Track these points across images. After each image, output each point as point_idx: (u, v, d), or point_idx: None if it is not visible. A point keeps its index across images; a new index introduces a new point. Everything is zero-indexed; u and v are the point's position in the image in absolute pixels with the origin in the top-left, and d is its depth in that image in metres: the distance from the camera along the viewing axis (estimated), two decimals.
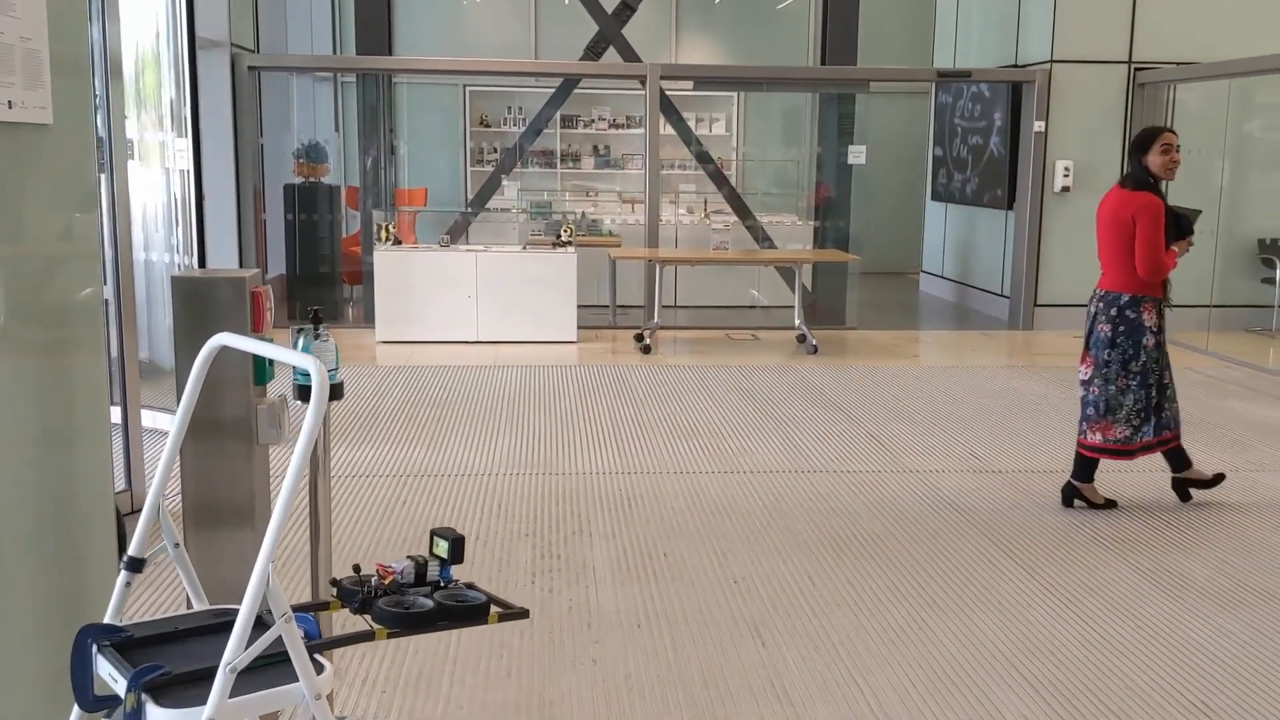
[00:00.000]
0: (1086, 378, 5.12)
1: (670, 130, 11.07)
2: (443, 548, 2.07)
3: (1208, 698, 3.33)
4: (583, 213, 10.93)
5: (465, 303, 9.36)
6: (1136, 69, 9.92)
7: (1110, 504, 5.12)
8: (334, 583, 2.03)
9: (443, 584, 2.05)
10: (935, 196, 12.54)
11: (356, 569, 2.05)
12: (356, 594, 1.97)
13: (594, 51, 10.79)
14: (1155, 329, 5.02)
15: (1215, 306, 9.88)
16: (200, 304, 2.48)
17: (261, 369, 2.60)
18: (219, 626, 1.90)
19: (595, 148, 13.87)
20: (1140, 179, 4.98)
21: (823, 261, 9.86)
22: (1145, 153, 4.99)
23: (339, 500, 5.05)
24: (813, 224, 11.02)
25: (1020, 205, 10.27)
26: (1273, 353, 9.39)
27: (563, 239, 9.58)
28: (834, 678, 3.44)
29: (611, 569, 4.31)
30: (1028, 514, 5.02)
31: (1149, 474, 5.61)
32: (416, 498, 5.17)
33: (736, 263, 9.99)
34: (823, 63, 10.95)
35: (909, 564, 4.39)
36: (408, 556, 2.07)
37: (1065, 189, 10.01)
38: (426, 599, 1.98)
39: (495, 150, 13.72)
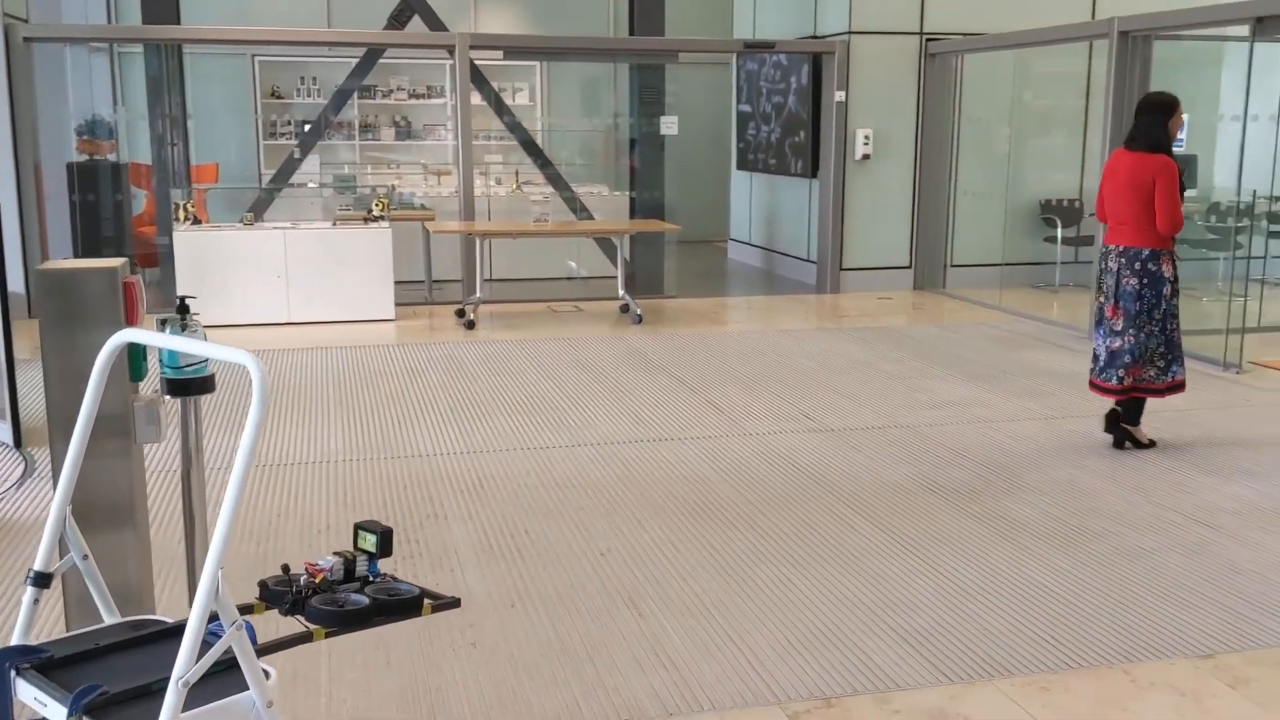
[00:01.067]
0: (1120, 328, 5.40)
1: (478, 100, 10.91)
2: (370, 542, 2.01)
3: (1054, 632, 3.58)
4: (393, 185, 10.65)
5: (274, 283, 9.00)
6: (928, 40, 10.40)
7: (1152, 444, 5.50)
8: (261, 585, 1.94)
9: (372, 579, 1.98)
10: (741, 166, 12.83)
11: (285, 569, 1.96)
12: (285, 595, 1.88)
13: (398, 20, 10.50)
14: (1173, 279, 5.37)
15: (1005, 265, 10.53)
16: (67, 298, 2.30)
17: (137, 365, 2.44)
18: (143, 639, 1.78)
19: (395, 119, 13.53)
20: (1158, 142, 5.24)
21: (644, 232, 9.95)
22: (1170, 116, 5.27)
23: (174, 498, 4.79)
24: (629, 194, 11.10)
25: (824, 173, 10.64)
26: (1056, 306, 10.08)
27: (375, 214, 9.33)
28: (713, 640, 3.52)
29: (475, 551, 4.26)
30: (865, 469, 5.24)
31: (970, 425, 5.95)
32: (256, 490, 4.96)
33: (560, 235, 9.97)
34: (631, 33, 11.01)
35: (765, 525, 4.52)
36: (334, 553, 2.01)
37: (865, 157, 10.43)
38: (359, 595, 1.91)
39: (290, 123, 13.20)
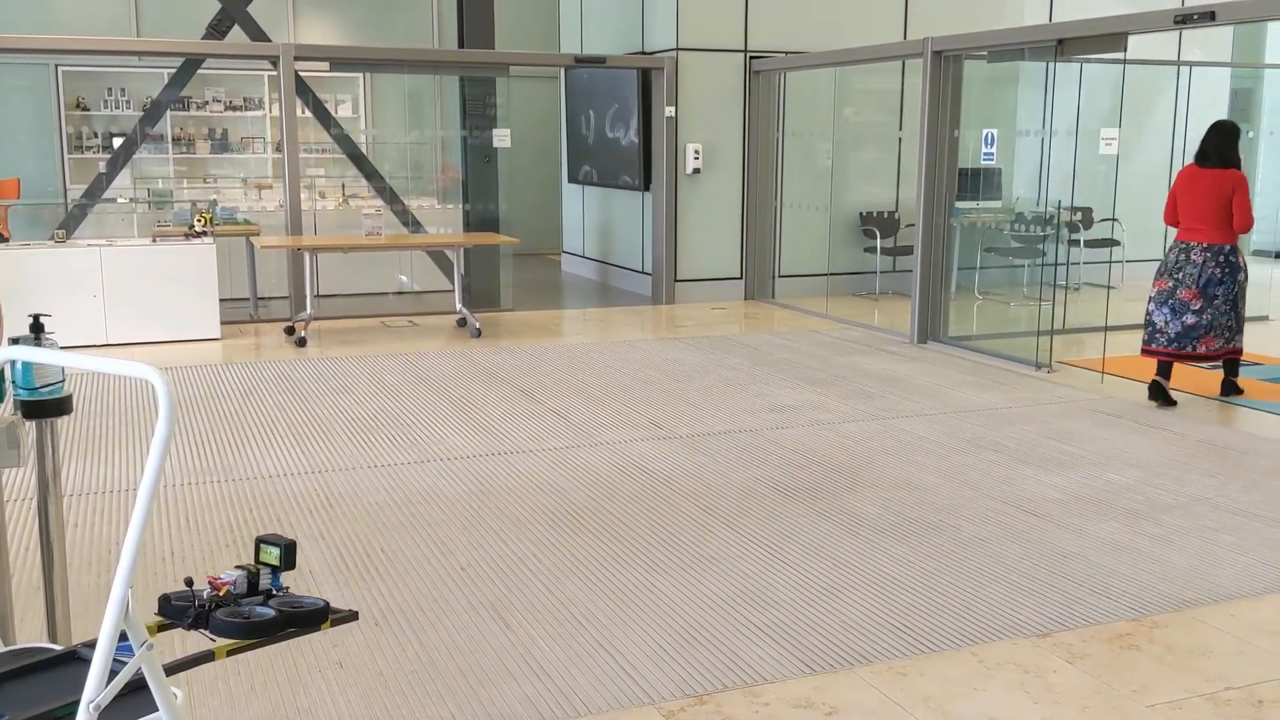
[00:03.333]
0: (1198, 308, 6.60)
1: (302, 112, 10.65)
2: (273, 554, 1.98)
3: (906, 620, 3.75)
4: (214, 200, 10.28)
5: (90, 303, 8.56)
6: (752, 57, 10.72)
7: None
8: (161, 599, 1.86)
9: (275, 591, 1.94)
10: (572, 179, 12.92)
11: (189, 582, 1.89)
12: (187, 609, 1.82)
13: (218, 30, 10.16)
14: (1244, 267, 6.66)
15: (830, 274, 10.93)
16: None
17: None
18: (35, 667, 1.69)
19: (211, 131, 13.06)
20: (1233, 160, 6.56)
21: (479, 245, 9.90)
22: (1238, 140, 6.62)
23: (26, 525, 4.51)
24: (462, 207, 11.03)
25: (656, 187, 10.82)
26: (878, 313, 10.53)
27: (197, 229, 8.99)
28: (583, 648, 3.55)
29: (330, 571, 4.17)
30: (716, 473, 5.37)
31: (810, 428, 6.17)
32: (91, 518, 4.72)
33: (394, 248, 9.81)
34: (460, 45, 10.95)
35: (623, 531, 4.57)
36: (237, 566, 1.94)
37: (696, 170, 10.67)
38: (264, 608, 1.87)
39: (96, 136, 12.57)
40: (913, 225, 11.02)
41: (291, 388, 7.16)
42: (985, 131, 8.47)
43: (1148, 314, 6.79)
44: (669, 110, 10.56)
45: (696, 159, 10.65)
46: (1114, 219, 11.66)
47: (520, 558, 4.30)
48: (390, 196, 10.95)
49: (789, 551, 4.37)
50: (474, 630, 3.66)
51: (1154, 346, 6.75)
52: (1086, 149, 8.66)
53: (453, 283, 9.52)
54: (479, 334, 9.00)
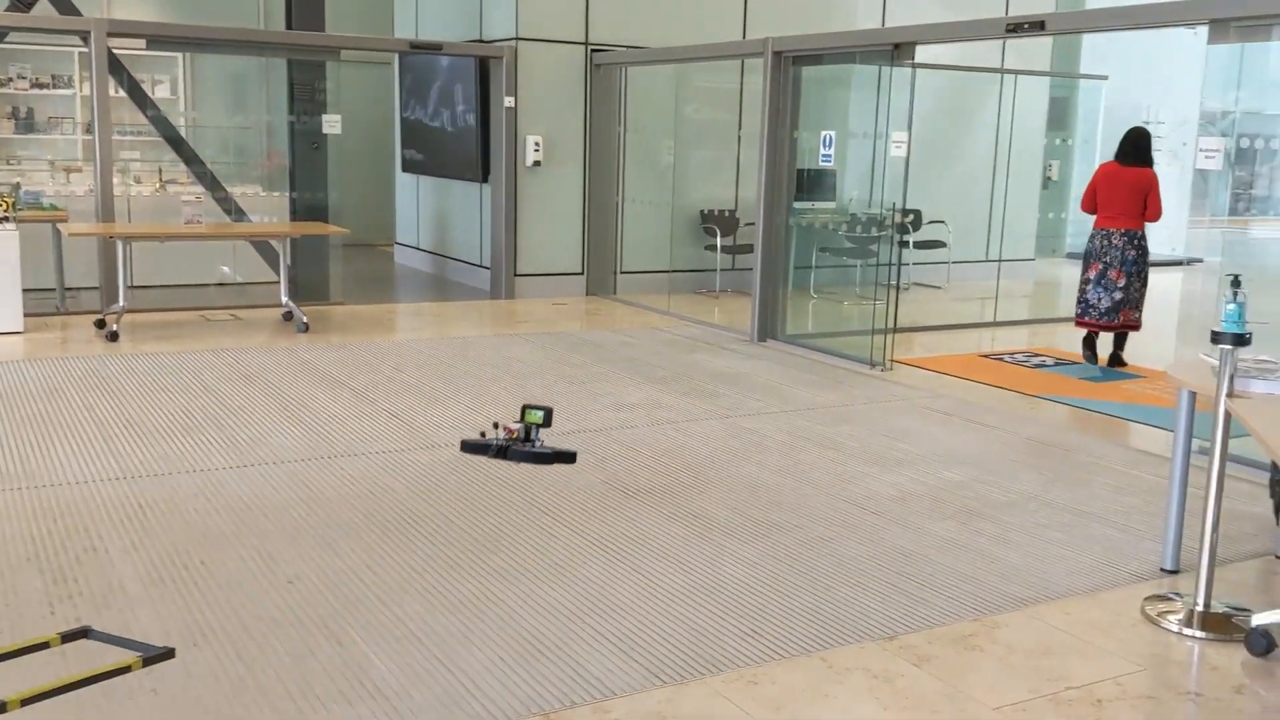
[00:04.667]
0: (1122, 285, 7.79)
1: (116, 92, 9.99)
2: (537, 416, 4.09)
3: (755, 625, 3.69)
4: (17, 183, 9.53)
5: None
6: (593, 50, 10.60)
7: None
8: (463, 442, 3.98)
9: (535, 441, 3.96)
10: (406, 168, 12.54)
11: (482, 434, 4.04)
12: (488, 447, 3.83)
13: (23, 3, 9.42)
14: (1148, 250, 7.86)
15: (671, 272, 10.92)
16: None
17: None
18: None
19: (15, 110, 12.16)
20: (1148, 160, 7.75)
21: (307, 235, 9.48)
22: (1150, 144, 7.82)
23: None
24: (288, 195, 10.55)
25: (495, 178, 10.59)
26: (718, 311, 10.57)
27: None
28: (421, 664, 3.35)
29: (144, 586, 3.84)
30: (558, 475, 5.22)
31: (654, 427, 6.09)
32: None
33: (215, 238, 9.31)
34: (288, 27, 10.47)
35: (462, 537, 4.38)
36: (516, 422, 4.08)
37: (537, 163, 10.48)
38: (540, 448, 3.98)
39: None
40: (752, 224, 11.12)
41: (102, 385, 6.67)
42: (824, 133, 8.57)
43: (1083, 291, 7.98)
44: (509, 101, 10.34)
45: (537, 151, 10.46)
46: (941, 221, 12.02)
47: (353, 569, 4.06)
48: (211, 183, 10.40)
49: (635, 556, 4.26)
50: (303, 649, 3.42)
51: (1088, 319, 7.98)
52: (917, 152, 8.85)
53: (278, 274, 9.08)
54: (306, 329, 8.61)
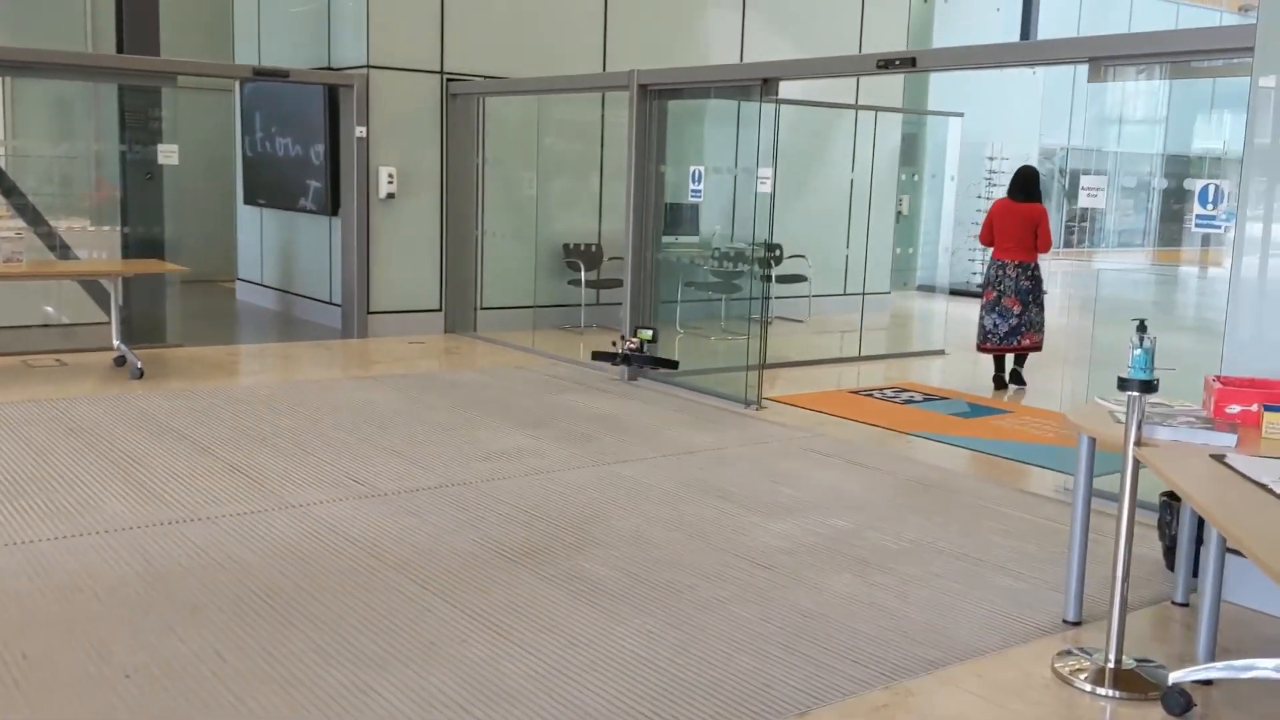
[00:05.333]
0: (1018, 312, 8.36)
1: None
2: (647, 334, 7.54)
3: (655, 706, 3.39)
4: None
5: None
6: (449, 79, 10.23)
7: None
8: (593, 352, 7.54)
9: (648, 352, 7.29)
10: (249, 200, 11.89)
11: (613, 343, 7.35)
12: (615, 357, 7.26)
13: None
14: (1043, 279, 8.47)
15: (534, 307, 10.59)
16: None
17: None
18: None
19: None
20: (1037, 196, 8.41)
21: (142, 273, 8.80)
22: (1039, 182, 8.48)
23: None
24: (120, 230, 9.81)
25: (346, 212, 10.09)
26: (583, 347, 10.29)
27: None
28: None
29: None
30: (429, 537, 4.82)
31: (528, 478, 5.74)
32: None
33: (39, 277, 8.54)
34: (119, 51, 9.78)
35: (327, 616, 3.95)
36: (634, 336, 7.35)
37: (390, 195, 10.03)
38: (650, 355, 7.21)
39: None
40: (616, 258, 10.90)
41: None
42: (693, 169, 8.40)
43: (980, 319, 8.48)
44: (360, 131, 9.88)
45: (390, 183, 10.01)
46: (801, 255, 12.03)
47: (199, 657, 3.59)
48: (33, 217, 9.58)
49: (520, 630, 3.91)
50: None
51: (989, 344, 8.50)
52: (779, 187, 8.75)
53: (109, 315, 8.38)
54: (141, 374, 7.95)
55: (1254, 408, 3.88)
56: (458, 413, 7.23)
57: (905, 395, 8.31)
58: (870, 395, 8.28)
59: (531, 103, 10.37)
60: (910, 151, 14.77)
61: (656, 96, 8.29)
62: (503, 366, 8.99)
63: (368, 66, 9.87)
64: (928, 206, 15.68)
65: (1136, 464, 3.60)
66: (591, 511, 5.28)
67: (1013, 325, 8.38)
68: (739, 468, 6.15)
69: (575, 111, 11.00)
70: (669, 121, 8.36)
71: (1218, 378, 4.05)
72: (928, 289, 15.57)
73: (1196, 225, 5.22)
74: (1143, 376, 3.53)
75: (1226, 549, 3.75)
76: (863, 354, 10.18)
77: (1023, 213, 8.32)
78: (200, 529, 4.82)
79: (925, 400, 8.14)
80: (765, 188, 7.57)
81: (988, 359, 8.91)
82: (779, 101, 7.61)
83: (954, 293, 15.69)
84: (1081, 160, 23.27)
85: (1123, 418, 3.90)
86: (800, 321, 12.06)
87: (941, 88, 15.09)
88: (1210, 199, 5.17)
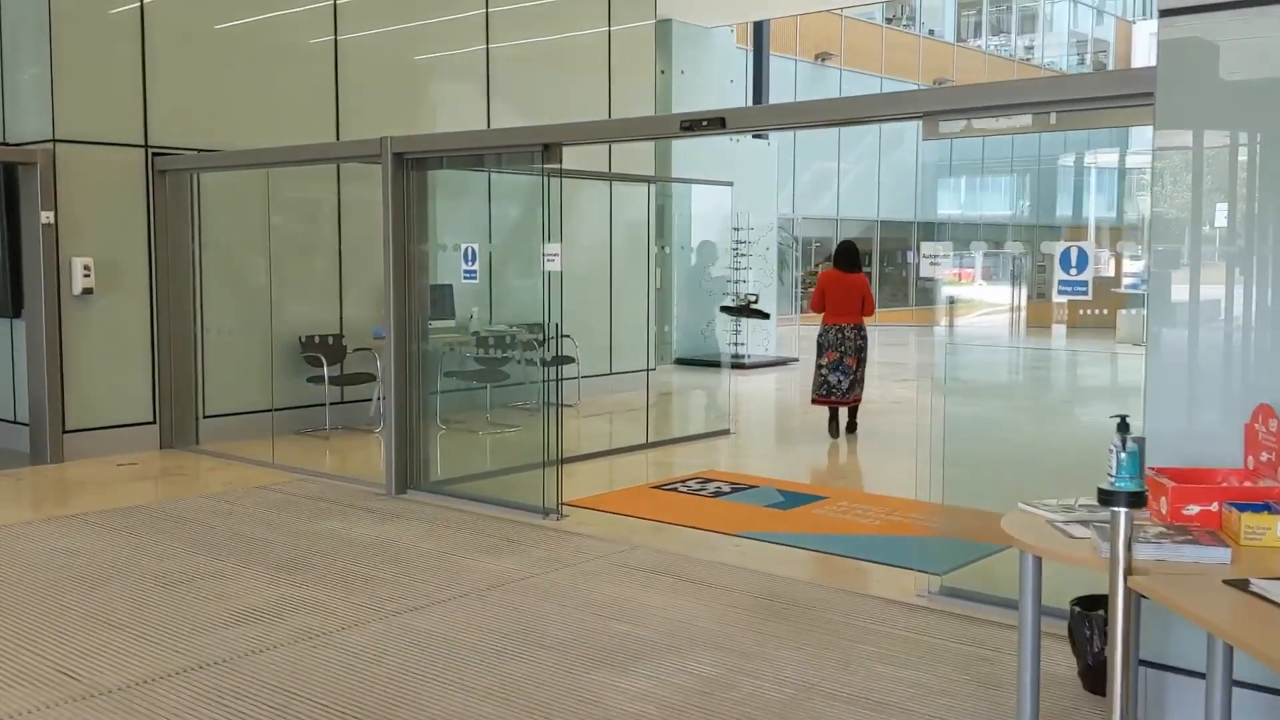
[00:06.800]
0: (854, 369, 9.19)
1: None
2: (754, 297, 12.64)
3: None
4: None
5: None
6: (155, 154, 8.77)
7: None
8: (722, 308, 13.07)
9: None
10: None
11: (738, 295, 12.19)
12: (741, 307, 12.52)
13: None
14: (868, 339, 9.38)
15: (272, 410, 9.18)
16: None
17: None
18: None
19: None
20: (859, 266, 9.40)
21: None
22: (858, 254, 9.49)
23: None
24: None
25: (32, 313, 8.38)
26: (333, 456, 8.98)
27: None
28: None
29: None
30: None
31: (302, 646, 4.49)
32: None
33: None
34: None
35: None
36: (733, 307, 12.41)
37: (88, 291, 8.41)
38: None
39: None
40: (362, 349, 9.66)
41: None
42: (465, 246, 7.38)
43: (823, 376, 9.25)
44: (45, 216, 8.24)
45: (87, 276, 8.40)
46: (568, 335, 11.19)
47: None
48: None
49: None
50: None
51: (833, 398, 9.30)
52: (527, 262, 7.85)
53: None
54: None
55: (1214, 506, 3.29)
56: (192, 558, 5.82)
57: (712, 486, 7.55)
58: (675, 490, 7.47)
59: (259, 179, 9.04)
60: (662, 222, 14.35)
61: (415, 166, 7.25)
62: (240, 488, 7.57)
63: (54, 140, 8.28)
64: (678, 277, 15.30)
65: (1131, 597, 2.89)
66: (392, 687, 4.12)
67: (850, 382, 9.26)
68: (558, 602, 5.13)
69: (309, 187, 9.75)
70: (435, 193, 7.34)
71: (1159, 470, 3.46)
72: (684, 363, 15.11)
73: (1060, 292, 4.73)
74: (1131, 488, 2.84)
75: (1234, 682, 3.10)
76: (650, 439, 9.39)
77: (851, 282, 9.28)
78: None
79: (734, 491, 7.41)
80: (554, 265, 6.68)
81: (785, 429, 9.85)
82: (565, 173, 6.79)
83: (706, 364, 15.34)
84: (813, 230, 23.91)
85: (1072, 531, 3.23)
86: (571, 406, 11.17)
87: (686, 157, 14.80)
88: (1073, 263, 4.69)
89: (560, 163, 6.60)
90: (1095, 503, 3.55)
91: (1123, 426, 2.89)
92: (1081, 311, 18.46)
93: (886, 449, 8.98)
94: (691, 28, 15.64)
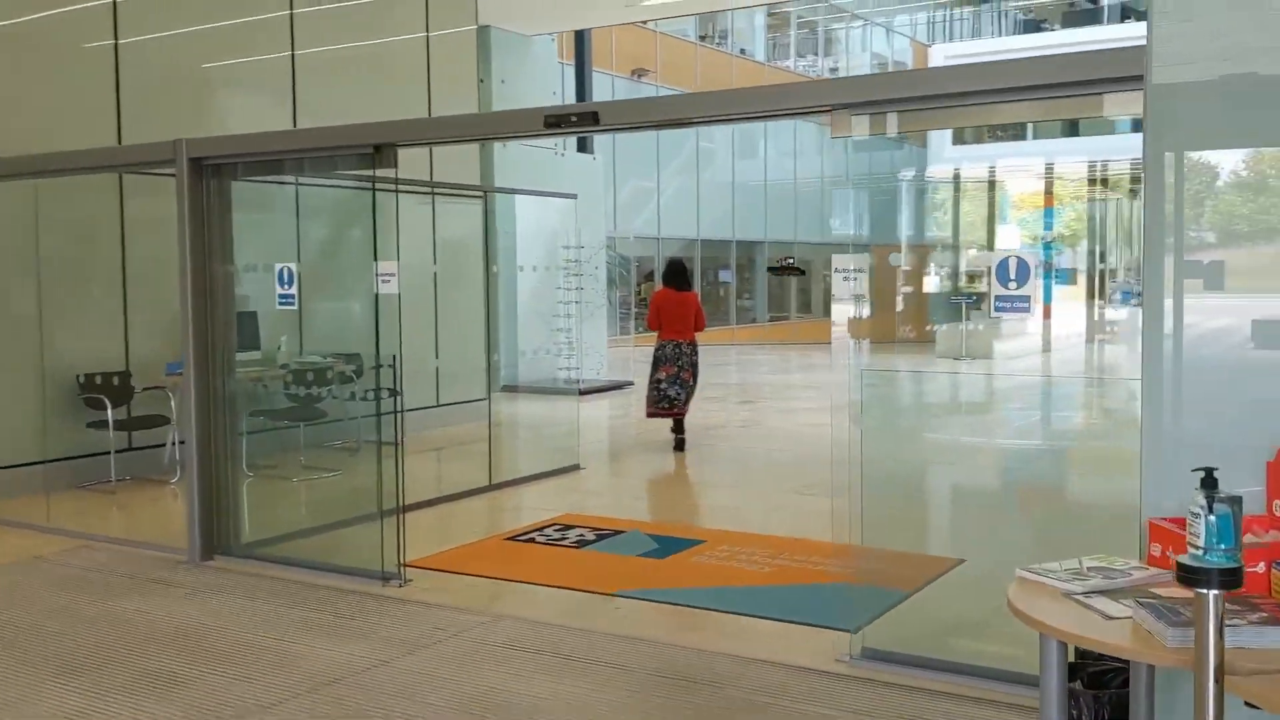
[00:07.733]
0: (688, 381, 9.57)
1: None
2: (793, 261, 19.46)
3: None
4: None
5: None
6: None
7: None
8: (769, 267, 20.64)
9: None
10: None
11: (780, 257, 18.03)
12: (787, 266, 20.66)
13: None
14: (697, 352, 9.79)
15: (46, 462, 7.81)
16: None
17: None
18: None
19: None
20: (688, 285, 9.83)
21: None
22: (687, 272, 9.94)
23: None
24: None
25: None
26: (121, 513, 7.69)
27: None
28: None
29: None
30: None
31: None
32: None
33: None
34: None
35: None
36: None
37: None
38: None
39: None
40: (152, 388, 8.37)
41: None
42: (280, 267, 6.30)
43: (661, 390, 9.51)
44: None
45: None
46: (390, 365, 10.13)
47: None
48: None
49: None
50: None
51: (674, 410, 9.53)
52: (365, 284, 6.85)
53: None
54: None
55: (1260, 568, 2.72)
56: None
57: (574, 534, 6.71)
58: (532, 540, 6.60)
59: (26, 192, 7.67)
60: (490, 239, 13.43)
61: (216, 174, 6.15)
62: (10, 560, 6.26)
63: None
64: (504, 298, 14.41)
65: (1223, 703, 2.24)
66: None
67: (685, 394, 9.60)
68: (419, 698, 4.20)
69: (87, 203, 8.41)
70: (240, 205, 6.25)
71: (1170, 520, 2.88)
72: (512, 389, 14.22)
73: (997, 308, 4.15)
74: (1224, 563, 2.20)
75: None
76: (493, 480, 8.45)
77: (683, 299, 9.65)
78: None
79: (600, 539, 6.59)
80: (389, 287, 5.74)
81: (640, 460, 9.82)
82: (400, 186, 5.88)
83: (537, 391, 14.49)
84: (634, 248, 23.42)
85: (1100, 606, 2.61)
86: (390, 444, 10.10)
87: (502, 170, 13.94)
88: (1012, 275, 4.12)
89: (395, 167, 5.67)
90: (1105, 564, 2.97)
91: (1208, 481, 2.25)
92: (904, 329, 18.55)
93: (745, 476, 8.54)
94: (511, 36, 14.81)
